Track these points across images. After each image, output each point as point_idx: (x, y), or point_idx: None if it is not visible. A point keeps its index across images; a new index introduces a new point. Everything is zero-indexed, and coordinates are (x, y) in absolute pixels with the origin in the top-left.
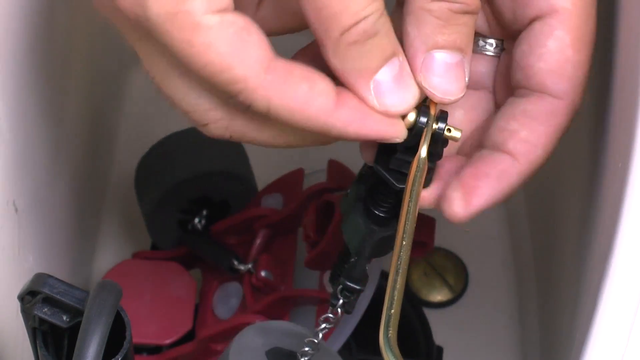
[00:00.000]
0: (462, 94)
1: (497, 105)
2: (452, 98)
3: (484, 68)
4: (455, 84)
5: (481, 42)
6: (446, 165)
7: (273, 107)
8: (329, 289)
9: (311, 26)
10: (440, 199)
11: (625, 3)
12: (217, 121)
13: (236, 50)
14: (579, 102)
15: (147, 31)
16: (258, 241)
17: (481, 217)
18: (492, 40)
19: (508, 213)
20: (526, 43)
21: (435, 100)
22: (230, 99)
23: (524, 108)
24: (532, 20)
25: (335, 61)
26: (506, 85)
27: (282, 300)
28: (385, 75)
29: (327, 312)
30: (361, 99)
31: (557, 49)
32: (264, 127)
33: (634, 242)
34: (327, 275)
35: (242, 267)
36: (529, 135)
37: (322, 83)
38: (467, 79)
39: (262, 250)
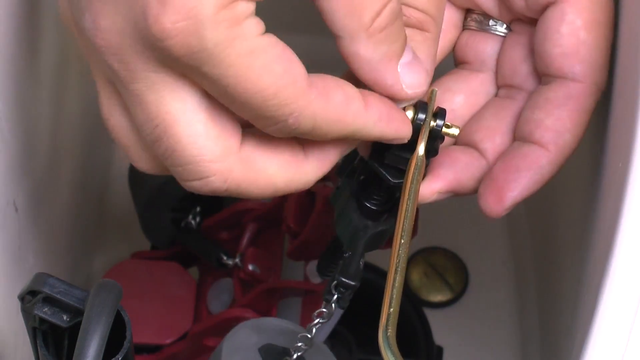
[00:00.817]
0: (403, 106)
1: (498, 87)
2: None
3: (490, 49)
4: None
5: (492, 22)
6: (440, 157)
7: (318, 122)
8: (313, 280)
9: (338, 22)
10: (478, 196)
11: (626, 3)
12: (223, 171)
13: (286, 70)
14: (601, 83)
15: (193, 67)
16: (246, 235)
17: (481, 217)
18: (501, 23)
19: (508, 213)
20: (541, 31)
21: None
22: (277, 124)
23: (546, 96)
24: (545, 8)
25: (367, 50)
26: (509, 67)
27: (267, 292)
28: (406, 58)
29: (312, 303)
30: (390, 86)
31: (569, 32)
32: (259, 177)
33: (634, 242)
34: (310, 266)
35: (230, 262)
36: (555, 122)
37: (350, 88)
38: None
39: (250, 244)
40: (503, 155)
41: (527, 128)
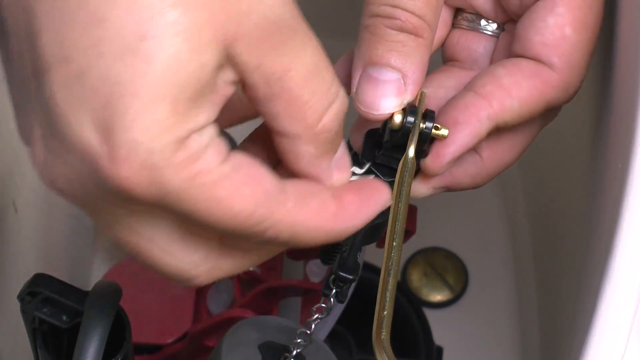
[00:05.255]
0: (393, 110)
1: None
2: (376, 113)
3: (483, 48)
4: (382, 100)
5: (483, 22)
6: None
7: (297, 231)
8: (313, 279)
9: (282, 125)
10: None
11: (625, 3)
12: (208, 271)
13: (255, 190)
14: (574, 84)
15: (161, 206)
16: None
17: (481, 217)
18: (494, 24)
19: (508, 213)
20: (527, 18)
21: (360, 114)
22: (256, 239)
23: (517, 62)
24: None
25: (309, 149)
26: None
27: (267, 292)
28: (339, 153)
29: (312, 303)
30: (320, 181)
31: (555, 24)
32: (244, 256)
33: (634, 242)
34: (310, 265)
35: None
36: (512, 84)
37: (323, 192)
38: (405, 100)
39: None
40: (442, 109)
41: (481, 80)
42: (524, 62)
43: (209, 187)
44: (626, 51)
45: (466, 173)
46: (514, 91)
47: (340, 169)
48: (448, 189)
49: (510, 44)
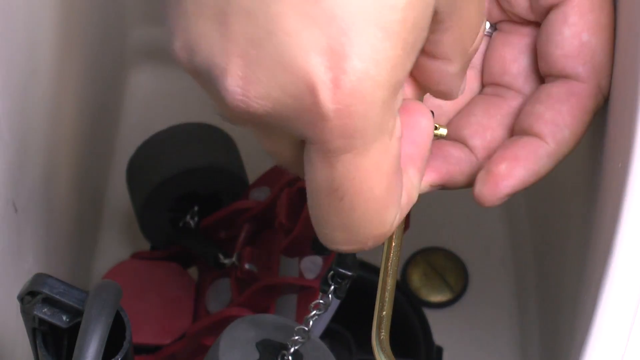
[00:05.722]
0: None
1: (484, 85)
2: None
3: None
4: None
5: None
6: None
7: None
8: (307, 275)
9: (443, 49)
10: (473, 185)
11: (625, 3)
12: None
13: (394, 190)
14: (604, 86)
15: (334, 148)
16: (242, 234)
17: (481, 217)
18: (487, 22)
19: (508, 213)
20: (544, 33)
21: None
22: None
23: (548, 92)
24: (547, 11)
25: (457, 68)
26: (499, 66)
27: (264, 290)
28: None
29: (308, 299)
30: (456, 94)
31: (572, 34)
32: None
33: (634, 242)
34: (304, 262)
35: (227, 261)
36: (554, 116)
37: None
38: None
39: (247, 243)
40: (501, 146)
41: (526, 121)
42: (554, 89)
43: (382, 150)
44: (626, 51)
45: (461, 171)
46: (559, 121)
47: (465, 81)
48: (443, 187)
49: (506, 44)
